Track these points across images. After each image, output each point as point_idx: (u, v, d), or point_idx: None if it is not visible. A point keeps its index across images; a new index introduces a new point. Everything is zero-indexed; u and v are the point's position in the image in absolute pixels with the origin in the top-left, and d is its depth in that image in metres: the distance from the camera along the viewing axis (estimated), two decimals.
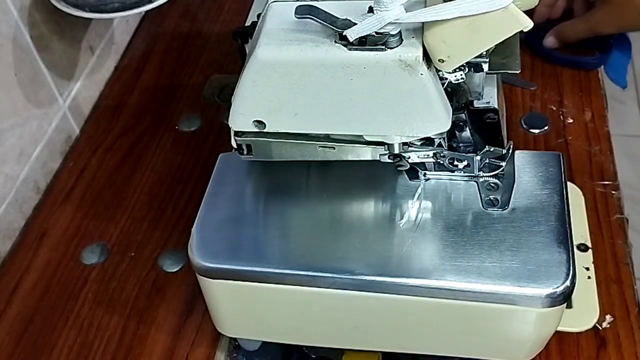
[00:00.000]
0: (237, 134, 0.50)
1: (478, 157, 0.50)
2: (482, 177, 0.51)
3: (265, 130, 0.48)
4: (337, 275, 0.47)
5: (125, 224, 0.68)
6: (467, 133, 0.50)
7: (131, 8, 0.63)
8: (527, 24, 0.41)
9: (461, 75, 0.45)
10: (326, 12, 0.43)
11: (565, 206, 0.49)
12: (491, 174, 0.51)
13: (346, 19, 0.43)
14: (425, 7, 0.43)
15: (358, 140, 0.49)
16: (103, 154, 0.75)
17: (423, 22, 0.43)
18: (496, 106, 0.50)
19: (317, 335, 0.54)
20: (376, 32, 0.42)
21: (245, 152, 0.50)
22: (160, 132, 0.77)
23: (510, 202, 0.50)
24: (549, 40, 0.78)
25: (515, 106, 0.73)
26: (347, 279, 0.47)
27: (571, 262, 0.46)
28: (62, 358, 0.59)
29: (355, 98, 0.45)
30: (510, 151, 0.51)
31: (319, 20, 0.43)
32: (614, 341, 0.56)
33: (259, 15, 0.49)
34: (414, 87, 0.43)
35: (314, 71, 0.44)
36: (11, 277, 0.65)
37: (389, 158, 0.49)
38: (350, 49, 0.43)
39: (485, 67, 0.46)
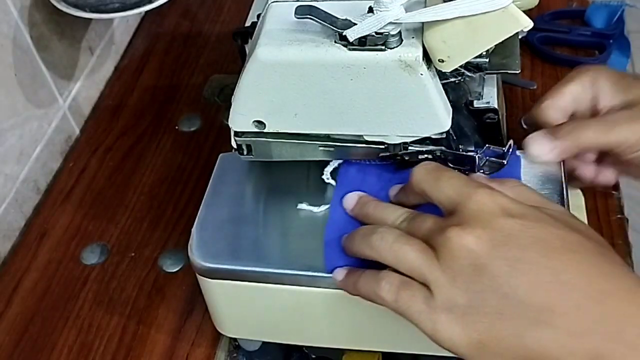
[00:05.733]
0: (237, 134, 0.50)
1: (479, 155, 0.50)
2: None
3: (265, 131, 0.48)
4: None
5: (125, 224, 0.68)
6: (467, 133, 0.50)
7: (131, 8, 0.63)
8: (527, 24, 0.41)
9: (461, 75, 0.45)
10: (326, 12, 0.43)
11: (565, 206, 0.49)
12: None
13: (346, 19, 0.43)
14: (425, 7, 0.43)
15: (358, 140, 0.49)
16: (103, 154, 0.75)
17: (423, 22, 0.43)
18: (496, 106, 0.51)
19: (317, 335, 0.53)
20: (376, 32, 0.42)
21: (245, 153, 0.51)
22: (160, 132, 0.77)
23: None
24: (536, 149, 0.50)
25: (515, 106, 0.73)
26: None
27: None
28: (62, 358, 0.59)
29: (355, 98, 0.45)
30: (511, 151, 0.51)
31: (319, 21, 0.43)
32: None
33: (259, 16, 0.49)
34: (414, 87, 0.43)
35: (314, 71, 0.44)
36: (11, 277, 0.65)
37: (389, 157, 0.49)
38: (350, 49, 0.43)
39: (485, 67, 0.46)
